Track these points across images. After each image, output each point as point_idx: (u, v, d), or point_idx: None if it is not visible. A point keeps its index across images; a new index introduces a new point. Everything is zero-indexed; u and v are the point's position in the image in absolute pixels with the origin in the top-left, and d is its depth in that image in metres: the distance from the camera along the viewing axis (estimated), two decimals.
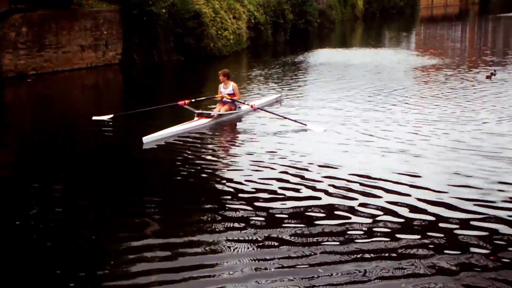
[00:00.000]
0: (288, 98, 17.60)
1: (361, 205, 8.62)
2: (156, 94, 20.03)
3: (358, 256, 6.99)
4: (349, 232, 7.69)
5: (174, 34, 26.78)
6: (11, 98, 19.74)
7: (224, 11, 29.97)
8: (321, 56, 29.34)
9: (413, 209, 8.47)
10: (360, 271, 6.59)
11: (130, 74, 24.53)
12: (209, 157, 11.33)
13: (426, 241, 7.38)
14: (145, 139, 12.32)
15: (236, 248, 7.25)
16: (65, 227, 8.11)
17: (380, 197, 8.95)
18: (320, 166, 10.56)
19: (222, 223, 8.02)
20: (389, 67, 24.71)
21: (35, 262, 7.07)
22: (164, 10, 26.05)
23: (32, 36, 22.08)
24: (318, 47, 34.90)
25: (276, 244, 7.35)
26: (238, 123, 14.65)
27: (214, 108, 15.13)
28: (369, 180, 9.70)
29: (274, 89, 19.34)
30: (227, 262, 6.87)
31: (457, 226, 7.79)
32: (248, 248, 7.26)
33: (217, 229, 7.82)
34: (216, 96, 15.16)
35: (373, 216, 8.21)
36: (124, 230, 7.93)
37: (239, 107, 15.16)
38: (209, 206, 8.76)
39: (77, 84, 22.59)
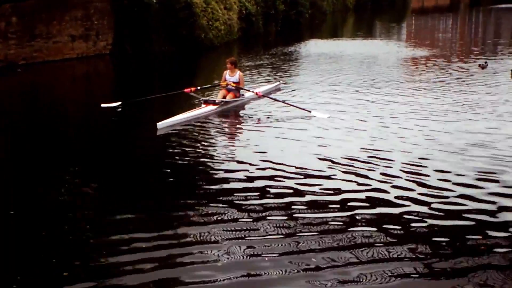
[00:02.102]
0: (284, 87, 17.73)
1: (371, 190, 8.77)
2: (149, 84, 19.99)
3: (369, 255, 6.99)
4: (358, 226, 7.66)
5: (165, 24, 26.67)
6: (4, 88, 19.63)
7: (215, 1, 29.86)
8: (312, 47, 29.39)
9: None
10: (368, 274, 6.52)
11: (121, 64, 24.42)
12: (216, 144, 11.60)
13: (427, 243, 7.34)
14: (159, 124, 12.62)
15: (244, 237, 7.27)
16: (65, 216, 8.08)
17: (391, 181, 9.14)
18: (327, 150, 10.89)
19: (227, 213, 7.98)
20: (380, 57, 24.76)
21: (31, 251, 7.04)
22: (155, 1, 25.94)
23: (23, 26, 21.95)
24: (310, 37, 34.91)
25: (286, 232, 7.36)
26: (243, 110, 14.92)
27: (218, 94, 15.37)
28: (377, 163, 9.96)
29: (266, 79, 19.32)
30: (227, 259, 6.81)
31: (461, 228, 7.74)
32: (253, 238, 7.24)
33: (219, 219, 7.79)
34: (221, 83, 15.42)
35: (384, 203, 8.29)
36: (125, 221, 7.90)
37: (243, 94, 15.50)
38: (214, 195, 8.71)
39: (69, 74, 22.47)
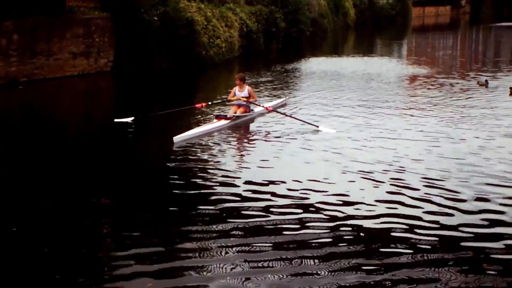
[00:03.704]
0: (289, 103, 18.05)
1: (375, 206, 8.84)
2: (151, 101, 19.94)
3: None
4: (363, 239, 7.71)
5: (166, 41, 26.73)
6: (6, 105, 19.65)
7: (216, 19, 29.98)
8: (313, 64, 29.44)
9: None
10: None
11: (122, 81, 24.43)
12: (227, 158, 11.83)
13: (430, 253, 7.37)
14: (175, 138, 12.90)
15: (243, 251, 7.28)
16: (73, 229, 8.15)
17: (398, 197, 9.23)
18: (334, 165, 11.13)
19: (234, 227, 8.03)
20: (382, 75, 24.83)
21: (34, 264, 7.02)
22: (156, 18, 26.01)
23: (24, 43, 21.99)
24: (311, 55, 34.97)
25: (289, 247, 7.38)
26: (253, 124, 15.32)
27: (230, 110, 15.71)
28: (383, 179, 10.10)
29: (269, 96, 19.40)
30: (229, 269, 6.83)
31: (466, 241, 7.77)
32: (257, 253, 7.26)
33: (225, 233, 7.83)
34: (232, 98, 15.80)
35: (391, 217, 8.37)
36: (131, 235, 7.95)
37: (252, 109, 15.88)
38: (223, 210, 8.77)
39: (70, 91, 22.46)
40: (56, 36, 23.26)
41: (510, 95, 18.92)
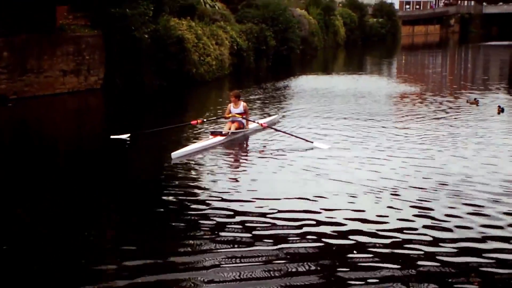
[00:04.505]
0: (281, 120, 18.23)
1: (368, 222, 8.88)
2: (142, 119, 19.97)
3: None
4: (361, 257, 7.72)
5: (157, 59, 26.76)
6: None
7: (207, 37, 30.06)
8: (303, 82, 29.57)
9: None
10: None
11: (112, 99, 24.41)
12: (222, 174, 11.86)
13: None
14: (174, 154, 13.05)
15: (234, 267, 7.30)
16: (66, 245, 8.13)
17: (390, 211, 9.35)
18: (328, 180, 11.26)
19: (227, 243, 8.07)
20: (371, 93, 24.94)
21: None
22: (146, 36, 26.05)
23: (14, 60, 21.96)
24: (301, 73, 35.14)
25: (281, 263, 7.41)
26: (248, 141, 15.46)
27: (225, 126, 15.81)
28: (378, 195, 10.22)
29: (260, 113, 19.47)
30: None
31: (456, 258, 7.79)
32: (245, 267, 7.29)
33: (219, 249, 7.87)
34: (227, 115, 15.94)
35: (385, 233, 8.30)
36: (125, 250, 7.96)
37: (246, 126, 16.03)
38: (216, 226, 8.81)
39: (61, 108, 22.38)
40: (46, 53, 23.25)
41: (498, 113, 19.05)
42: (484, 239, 8.27)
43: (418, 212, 9.32)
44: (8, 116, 20.35)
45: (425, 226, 8.70)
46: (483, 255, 7.72)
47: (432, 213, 9.24)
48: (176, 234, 8.52)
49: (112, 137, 15.16)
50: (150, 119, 19.02)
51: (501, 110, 19.23)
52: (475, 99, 21.56)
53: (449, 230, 8.58)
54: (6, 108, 20.87)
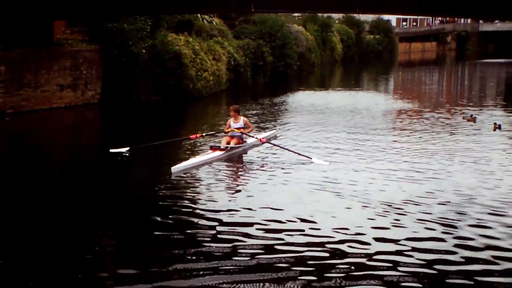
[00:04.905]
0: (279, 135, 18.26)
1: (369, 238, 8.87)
2: (139, 133, 19.93)
3: None
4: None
5: (154, 74, 26.80)
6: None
7: (204, 52, 30.13)
8: (301, 98, 29.61)
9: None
10: None
11: (109, 113, 24.40)
12: (220, 190, 11.88)
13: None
14: (173, 168, 13.06)
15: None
16: (63, 257, 8.09)
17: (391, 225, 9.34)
18: (328, 195, 11.27)
19: (224, 259, 8.07)
20: (368, 109, 24.98)
21: None
22: (144, 51, 26.12)
23: (11, 75, 21.97)
24: (298, 89, 35.19)
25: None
26: (247, 156, 15.48)
27: (223, 141, 15.80)
28: (375, 211, 10.24)
29: (258, 128, 19.44)
30: None
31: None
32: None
33: (216, 265, 7.86)
34: (227, 130, 15.99)
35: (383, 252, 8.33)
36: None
37: (245, 141, 16.07)
38: (213, 241, 8.83)
39: (57, 122, 22.37)
40: (43, 68, 23.27)
41: (494, 130, 19.09)
42: (485, 248, 8.40)
43: (420, 226, 9.41)
44: (4, 130, 20.31)
45: (428, 239, 8.81)
46: (488, 265, 7.85)
47: (434, 227, 9.33)
48: (174, 246, 8.53)
49: (111, 150, 15.18)
50: (148, 133, 18.98)
51: (497, 126, 19.26)
52: (471, 115, 21.58)
53: (451, 243, 8.66)
54: (3, 123, 20.84)
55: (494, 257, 8.18)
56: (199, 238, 8.86)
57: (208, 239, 8.84)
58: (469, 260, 8.09)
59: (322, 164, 13.80)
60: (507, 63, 62.13)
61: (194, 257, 8.09)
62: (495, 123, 19.63)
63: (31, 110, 22.66)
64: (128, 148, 15.28)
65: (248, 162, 14.91)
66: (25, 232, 9.33)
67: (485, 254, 8.30)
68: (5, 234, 9.25)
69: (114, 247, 8.81)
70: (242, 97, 31.06)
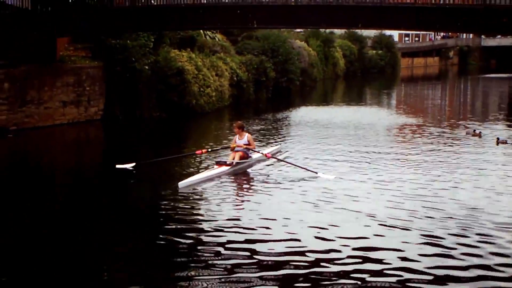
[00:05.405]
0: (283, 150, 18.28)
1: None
2: (143, 150, 19.95)
3: None
4: None
5: (157, 90, 26.85)
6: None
7: (207, 68, 30.17)
8: (303, 113, 29.62)
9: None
10: None
11: (112, 130, 24.42)
12: (226, 205, 11.85)
13: None
14: (180, 184, 13.16)
15: None
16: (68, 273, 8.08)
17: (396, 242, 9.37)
18: (333, 210, 11.29)
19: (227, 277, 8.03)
20: (372, 124, 24.98)
21: None
22: (147, 67, 26.19)
23: (14, 92, 22.02)
24: (300, 104, 35.23)
25: None
26: (252, 171, 15.49)
27: (229, 156, 15.85)
28: (382, 226, 10.27)
29: (262, 143, 19.47)
30: None
31: None
32: None
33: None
34: (232, 146, 16.03)
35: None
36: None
37: (251, 156, 16.11)
38: (216, 257, 8.80)
39: (60, 139, 22.42)
40: (46, 84, 23.33)
41: (497, 144, 19.09)
42: (494, 266, 8.39)
43: (426, 240, 9.42)
44: (8, 147, 20.35)
45: (435, 255, 8.80)
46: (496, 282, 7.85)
47: (441, 242, 9.35)
48: (180, 260, 8.60)
49: (117, 166, 15.21)
50: (152, 149, 19.03)
51: (501, 141, 19.29)
52: (474, 130, 21.57)
53: (458, 258, 8.67)
54: (6, 139, 20.86)
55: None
56: (205, 254, 8.85)
57: (214, 253, 8.85)
58: (478, 277, 8.08)
59: (328, 178, 13.84)
60: (510, 78, 62.18)
61: (199, 271, 8.10)
62: (497, 138, 19.64)
63: (34, 127, 22.69)
64: (134, 164, 15.28)
65: (253, 177, 14.94)
66: (30, 249, 9.29)
67: (499, 272, 8.29)
68: (9, 253, 9.22)
69: (122, 262, 8.83)
70: (245, 113, 31.06)
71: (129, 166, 15.25)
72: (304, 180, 13.87)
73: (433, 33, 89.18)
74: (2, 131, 21.35)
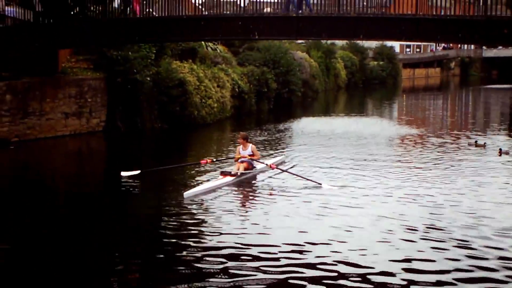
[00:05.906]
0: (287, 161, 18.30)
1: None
2: (146, 160, 19.95)
3: None
4: None
5: (158, 102, 26.87)
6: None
7: (209, 79, 30.21)
8: (305, 124, 29.61)
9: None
10: None
11: (114, 141, 24.43)
12: (231, 216, 11.95)
13: None
14: (186, 194, 13.34)
15: None
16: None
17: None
18: (338, 222, 11.30)
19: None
20: (373, 135, 24.97)
21: None
22: (148, 78, 26.22)
23: (16, 103, 22.05)
24: (302, 115, 35.22)
25: None
26: (257, 181, 15.64)
27: (233, 167, 15.95)
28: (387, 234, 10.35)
29: (264, 154, 19.46)
30: None
31: None
32: None
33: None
34: (236, 157, 16.20)
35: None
36: None
37: (255, 167, 16.20)
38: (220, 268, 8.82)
39: (62, 150, 22.43)
40: (48, 96, 23.36)
41: (499, 155, 19.10)
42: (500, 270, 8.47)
43: (432, 249, 9.52)
44: (10, 159, 20.36)
45: (440, 263, 8.87)
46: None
47: (446, 250, 9.43)
48: (184, 271, 8.64)
49: (122, 173, 15.38)
50: (154, 160, 19.02)
51: (504, 152, 19.32)
52: (476, 141, 21.57)
53: (464, 263, 8.79)
54: (8, 151, 20.88)
55: None
56: (209, 265, 8.88)
57: (218, 263, 8.88)
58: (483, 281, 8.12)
59: (332, 189, 13.92)
60: (511, 89, 62.21)
61: (203, 282, 8.12)
62: (500, 149, 19.64)
63: (36, 138, 22.71)
64: (139, 171, 15.42)
65: (257, 188, 15.04)
66: (33, 258, 9.30)
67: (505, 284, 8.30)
68: (11, 264, 9.21)
69: (125, 271, 8.86)
70: (246, 124, 31.07)
71: (134, 173, 15.43)
72: (308, 190, 13.94)
73: (434, 44, 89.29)
74: (4, 142, 21.37)
